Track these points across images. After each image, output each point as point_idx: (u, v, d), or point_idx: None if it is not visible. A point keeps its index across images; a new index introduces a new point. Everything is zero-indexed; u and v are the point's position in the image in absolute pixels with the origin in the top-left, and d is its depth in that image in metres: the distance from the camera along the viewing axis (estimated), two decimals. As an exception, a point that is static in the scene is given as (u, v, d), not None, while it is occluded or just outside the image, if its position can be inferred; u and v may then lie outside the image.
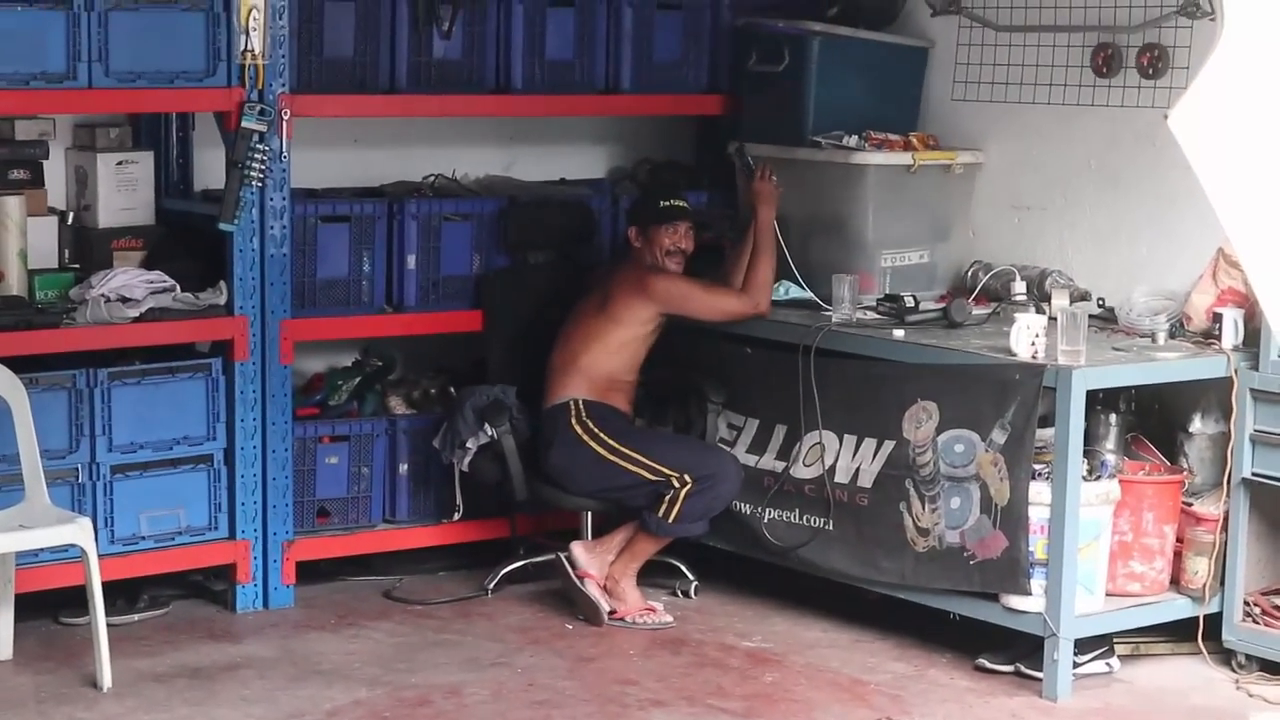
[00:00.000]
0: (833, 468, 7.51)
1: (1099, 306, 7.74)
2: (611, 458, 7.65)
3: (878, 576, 7.41)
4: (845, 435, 7.50)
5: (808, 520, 7.62)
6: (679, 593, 8.01)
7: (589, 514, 7.94)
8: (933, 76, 8.74)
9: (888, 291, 7.92)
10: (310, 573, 7.97)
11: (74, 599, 6.92)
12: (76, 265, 7.71)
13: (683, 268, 8.02)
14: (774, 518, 7.72)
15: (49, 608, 7.20)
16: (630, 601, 7.64)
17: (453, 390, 8.27)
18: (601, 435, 7.69)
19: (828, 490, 7.51)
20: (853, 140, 8.24)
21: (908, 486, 7.22)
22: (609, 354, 7.90)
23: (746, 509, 7.79)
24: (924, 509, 7.18)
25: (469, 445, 7.91)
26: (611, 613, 7.57)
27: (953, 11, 8.54)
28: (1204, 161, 2.75)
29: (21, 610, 7.06)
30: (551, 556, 7.85)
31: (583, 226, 8.53)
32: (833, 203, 8.28)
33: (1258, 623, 6.99)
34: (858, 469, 7.44)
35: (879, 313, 7.74)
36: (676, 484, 7.51)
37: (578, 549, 7.69)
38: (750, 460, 7.85)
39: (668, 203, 8.05)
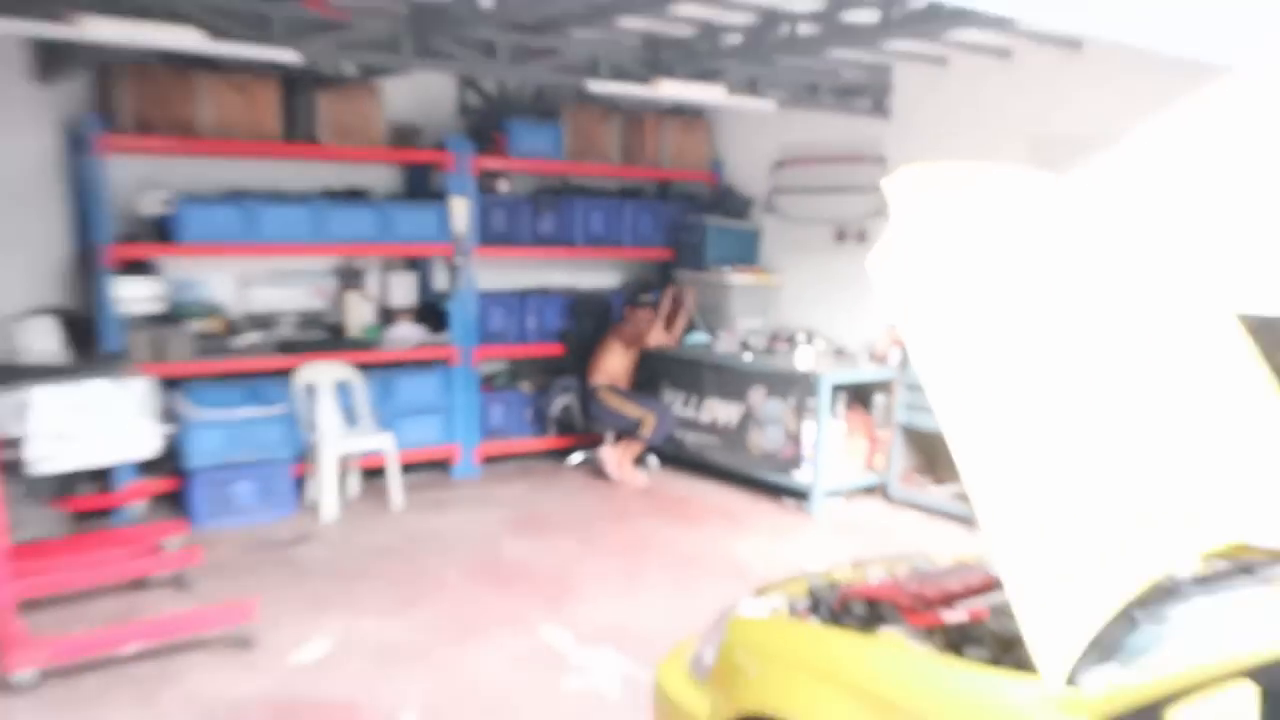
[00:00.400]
0: (717, 415, 7.94)
1: (837, 345, 8.15)
2: (619, 408, 8.01)
3: (738, 465, 7.83)
4: (723, 400, 7.88)
5: (707, 438, 8.03)
6: (649, 470, 8.31)
7: (612, 434, 8.13)
8: (763, 240, 8.93)
9: (742, 340, 8.24)
10: (486, 460, 8.28)
11: (383, 472, 7.29)
12: (381, 323, 8.07)
13: (649, 325, 8.30)
14: (692, 438, 8.13)
15: (374, 474, 7.44)
16: (628, 473, 8.04)
17: (549, 379, 8.54)
18: (616, 398, 8.04)
19: (715, 425, 7.95)
20: (727, 270, 8.58)
21: (750, 424, 7.68)
22: (614, 363, 8.19)
23: (680, 433, 8.18)
24: (759, 434, 7.63)
25: (557, 402, 8.44)
26: (620, 479, 7.99)
27: (771, 211, 8.83)
28: (883, 285, 2.66)
29: (361, 476, 7.57)
30: (593, 453, 8.33)
31: (607, 308, 8.76)
32: (718, 299, 8.62)
33: (904, 485, 7.55)
34: (729, 416, 7.86)
35: (739, 347, 8.11)
36: (646, 419, 7.93)
37: (605, 449, 8.11)
38: (681, 411, 8.16)
39: (642, 298, 8.45)
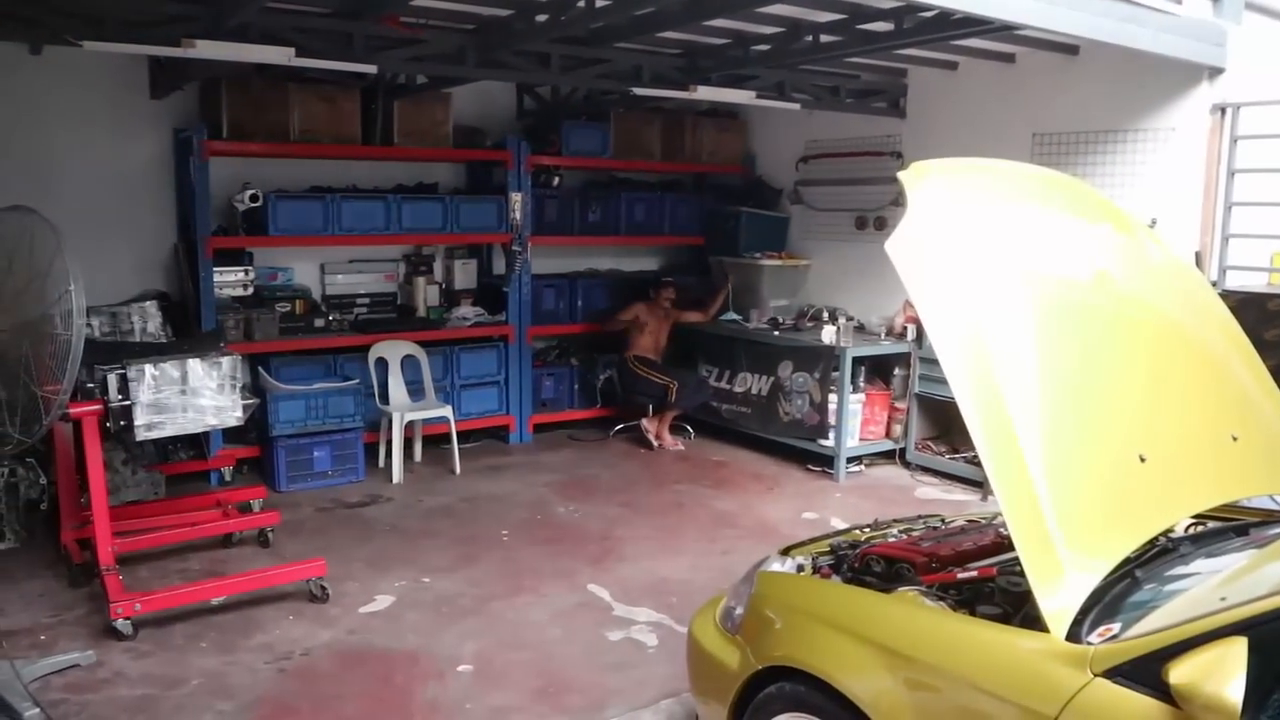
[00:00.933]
0: (749, 387, 7.80)
1: (858, 321, 7.91)
2: (647, 376, 7.89)
3: (767, 432, 7.68)
4: (754, 373, 7.76)
5: (739, 408, 7.87)
6: (687, 437, 8.19)
7: (650, 404, 7.97)
8: (792, 227, 8.73)
9: (771, 318, 8.16)
10: (538, 428, 8.19)
11: (445, 439, 7.24)
12: (445, 304, 8.00)
13: (672, 303, 8.16)
14: (726, 408, 7.96)
15: (437, 441, 7.42)
16: (666, 440, 7.97)
17: (595, 355, 8.42)
18: (644, 368, 7.91)
19: (748, 396, 7.79)
20: (759, 254, 8.46)
21: (779, 395, 7.55)
22: (644, 338, 8.05)
23: (715, 403, 8.01)
24: (787, 404, 7.50)
25: (602, 376, 8.35)
26: (659, 446, 7.91)
27: (798, 201, 8.65)
28: (901, 267, 2.59)
29: (425, 443, 7.53)
30: (636, 422, 8.09)
31: (644, 289, 8.31)
32: (751, 280, 8.45)
33: (920, 451, 7.40)
34: (760, 388, 7.73)
35: (768, 325, 8.06)
36: (670, 386, 7.79)
37: (645, 420, 7.97)
38: (716, 383, 8.00)
39: (664, 280, 8.25)
